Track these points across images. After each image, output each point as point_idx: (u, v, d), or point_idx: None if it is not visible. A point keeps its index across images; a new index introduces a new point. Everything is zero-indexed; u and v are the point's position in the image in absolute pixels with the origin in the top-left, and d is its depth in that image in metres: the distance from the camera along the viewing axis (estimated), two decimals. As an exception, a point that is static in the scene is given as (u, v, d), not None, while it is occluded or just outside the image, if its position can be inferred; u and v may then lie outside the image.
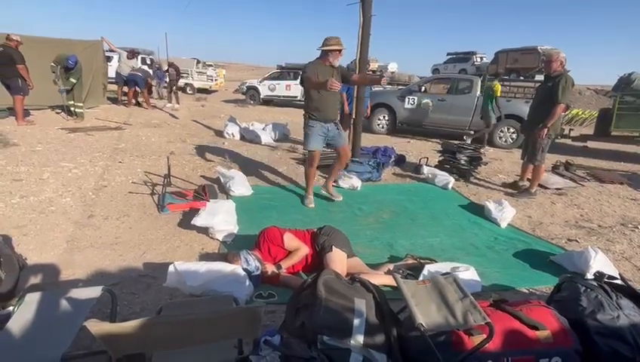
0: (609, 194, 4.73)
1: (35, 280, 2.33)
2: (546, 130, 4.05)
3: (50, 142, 5.61)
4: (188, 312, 1.08)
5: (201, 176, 4.70)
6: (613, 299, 1.61)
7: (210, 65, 19.65)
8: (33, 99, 7.09)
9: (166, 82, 11.77)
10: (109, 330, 1.00)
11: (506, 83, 10.12)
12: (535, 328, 1.47)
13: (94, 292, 1.56)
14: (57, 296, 1.56)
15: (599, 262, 2.51)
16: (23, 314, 1.48)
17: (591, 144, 8.24)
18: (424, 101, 8.46)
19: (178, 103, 11.19)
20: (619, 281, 1.79)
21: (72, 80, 7.25)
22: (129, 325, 1.01)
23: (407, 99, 8.61)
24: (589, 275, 2.40)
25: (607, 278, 1.77)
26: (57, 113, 7.89)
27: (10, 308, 1.73)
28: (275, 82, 14.54)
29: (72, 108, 7.46)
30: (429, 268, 2.41)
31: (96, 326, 0.97)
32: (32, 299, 1.54)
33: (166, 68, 11.35)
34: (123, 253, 2.71)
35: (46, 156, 4.89)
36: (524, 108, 7.27)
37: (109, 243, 2.84)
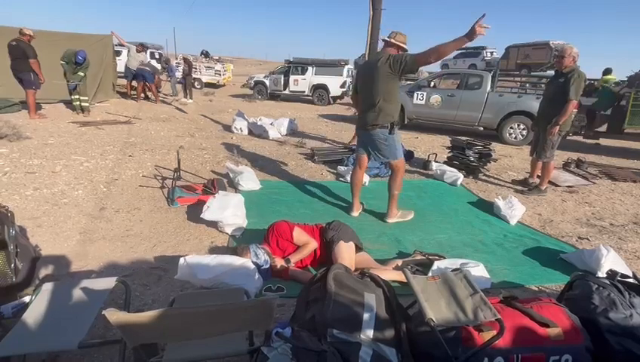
0: (621, 192, 4.66)
1: (49, 270, 2.38)
2: (557, 127, 3.99)
3: (61, 136, 5.69)
4: (201, 304, 1.10)
5: (210, 170, 4.73)
6: (626, 298, 1.60)
7: (218, 60, 19.67)
8: (45, 93, 7.18)
9: (178, 77, 11.90)
10: (126, 320, 1.02)
11: (516, 79, 9.95)
12: (546, 325, 1.46)
13: (109, 283, 1.59)
14: (73, 286, 1.59)
15: (611, 261, 2.48)
16: (40, 303, 1.52)
17: (603, 141, 8.10)
18: (433, 97, 8.39)
19: (191, 98, 11.29)
20: (632, 280, 1.77)
21: (80, 73, 7.30)
22: (145, 315, 1.03)
23: (416, 95, 8.54)
24: (601, 274, 2.38)
25: (619, 276, 1.75)
26: (68, 107, 7.98)
27: (27, 297, 1.77)
28: (283, 77, 14.49)
29: (77, 103, 7.51)
30: (437, 265, 2.41)
31: (115, 316, 0.99)
32: (49, 289, 1.58)
33: (175, 62, 11.42)
34: (134, 245, 2.75)
35: (58, 149, 4.96)
36: (534, 105, 7.17)
37: (121, 235, 2.89)
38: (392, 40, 3.03)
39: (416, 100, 8.55)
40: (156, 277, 2.37)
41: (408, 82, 10.36)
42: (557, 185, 4.70)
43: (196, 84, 16.31)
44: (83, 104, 7.55)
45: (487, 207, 3.88)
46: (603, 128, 7.56)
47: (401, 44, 3.05)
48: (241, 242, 2.77)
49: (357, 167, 3.49)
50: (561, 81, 3.98)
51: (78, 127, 6.41)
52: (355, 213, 3.54)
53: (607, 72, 8.79)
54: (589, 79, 9.93)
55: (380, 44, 4.90)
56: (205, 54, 18.38)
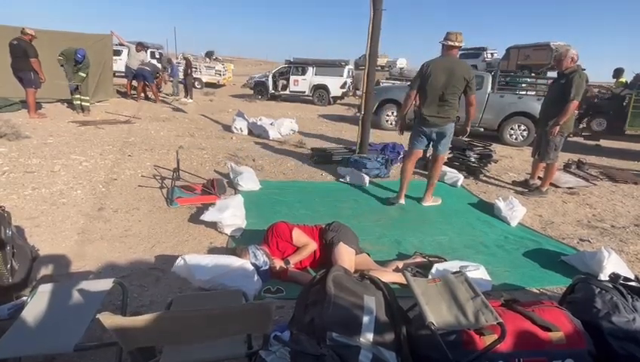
0: (622, 194, 4.64)
1: (47, 271, 2.36)
2: (557, 127, 3.98)
3: (61, 135, 5.67)
4: (199, 307, 1.09)
5: (210, 170, 4.72)
6: (629, 301, 1.58)
7: (219, 60, 19.66)
8: (45, 92, 7.17)
9: (180, 77, 11.93)
10: (121, 323, 1.00)
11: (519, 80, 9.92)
12: (548, 329, 1.44)
13: (106, 284, 1.58)
14: (69, 287, 1.58)
15: (612, 263, 2.46)
16: (36, 305, 1.50)
17: (604, 143, 8.09)
18: None
19: (192, 98, 11.29)
20: (634, 283, 1.75)
21: (82, 74, 7.29)
22: (141, 319, 1.01)
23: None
24: (602, 276, 2.36)
25: (622, 280, 1.73)
26: (68, 106, 7.97)
27: (24, 298, 1.75)
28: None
29: (78, 103, 7.49)
30: (437, 267, 2.39)
31: (109, 319, 0.97)
32: (45, 290, 1.56)
33: (176, 62, 11.44)
34: (133, 245, 2.73)
35: (57, 149, 4.94)
36: (535, 106, 7.15)
37: (119, 235, 2.87)
38: (457, 43, 3.54)
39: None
40: (154, 278, 2.35)
41: (408, 82, 10.32)
42: (558, 187, 4.68)
43: (196, 83, 16.30)
44: (84, 103, 7.53)
45: (488, 208, 3.86)
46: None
47: (461, 44, 3.63)
48: (240, 243, 2.76)
49: (411, 159, 3.82)
50: (563, 82, 3.98)
51: (77, 126, 6.39)
52: (402, 201, 3.85)
53: (619, 72, 8.65)
54: (598, 84, 9.83)
55: (381, 45, 4.90)
56: (209, 55, 18.43)
